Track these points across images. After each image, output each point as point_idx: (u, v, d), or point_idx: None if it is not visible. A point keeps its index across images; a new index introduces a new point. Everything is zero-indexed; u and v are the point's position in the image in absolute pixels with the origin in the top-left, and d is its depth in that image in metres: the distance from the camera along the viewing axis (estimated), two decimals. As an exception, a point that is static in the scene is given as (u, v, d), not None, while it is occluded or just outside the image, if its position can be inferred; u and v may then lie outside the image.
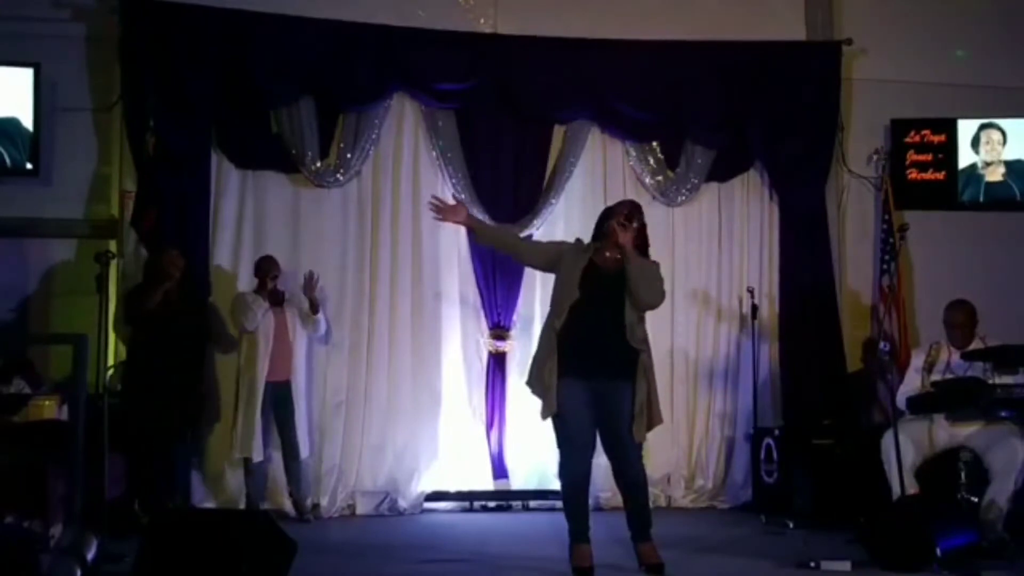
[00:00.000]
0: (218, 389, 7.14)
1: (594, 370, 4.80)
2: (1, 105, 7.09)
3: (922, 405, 5.75)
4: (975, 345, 5.85)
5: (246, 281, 7.25)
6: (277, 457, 7.03)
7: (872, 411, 7.33)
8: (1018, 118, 8.11)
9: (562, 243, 5.37)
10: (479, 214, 7.55)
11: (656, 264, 5.02)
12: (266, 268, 7.02)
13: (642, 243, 5.00)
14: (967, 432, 5.70)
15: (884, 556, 4.91)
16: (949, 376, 5.78)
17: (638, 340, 4.84)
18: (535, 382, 4.93)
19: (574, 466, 4.87)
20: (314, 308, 7.00)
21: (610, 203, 7.56)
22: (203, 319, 6.91)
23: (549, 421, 4.94)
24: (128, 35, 7.14)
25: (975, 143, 8.12)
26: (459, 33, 7.65)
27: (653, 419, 4.87)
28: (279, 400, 6.91)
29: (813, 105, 7.94)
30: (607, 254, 4.93)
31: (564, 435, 4.85)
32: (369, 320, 7.45)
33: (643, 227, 5.02)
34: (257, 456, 6.83)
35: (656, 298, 4.93)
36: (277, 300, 6.97)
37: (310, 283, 7.01)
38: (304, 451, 6.99)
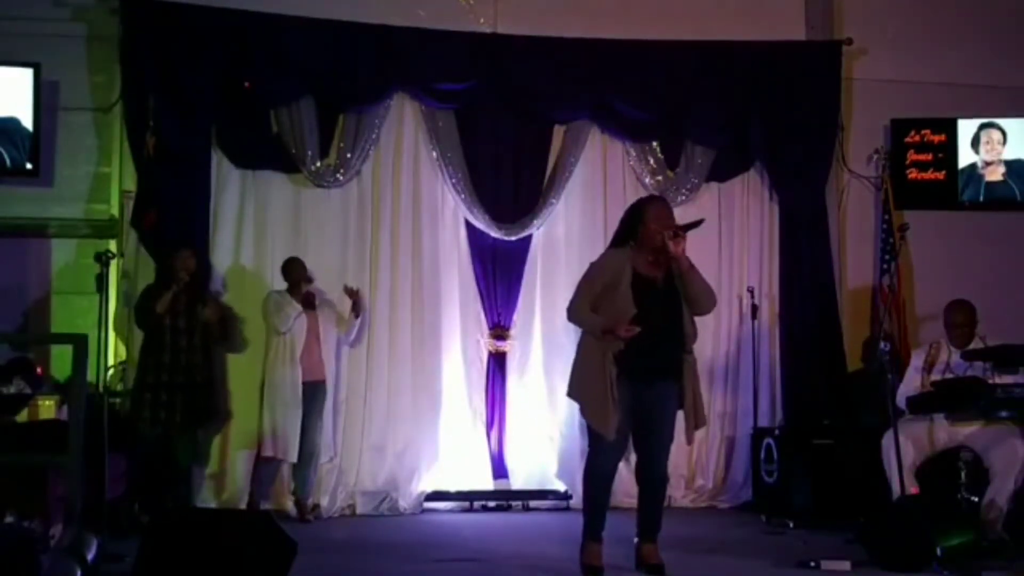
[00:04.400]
0: (227, 389, 7.11)
1: (644, 374, 4.75)
2: (1, 105, 7.09)
3: (922, 405, 5.75)
4: (975, 345, 5.85)
5: (246, 282, 7.26)
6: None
7: (872, 411, 7.33)
8: (1018, 118, 8.11)
9: (593, 274, 4.90)
10: (479, 214, 7.57)
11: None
12: (299, 272, 7.01)
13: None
14: (967, 432, 5.70)
15: (884, 556, 4.91)
16: (949, 376, 5.79)
17: (690, 345, 4.85)
18: (592, 406, 4.75)
19: (604, 464, 4.85)
20: (357, 312, 7.09)
21: (610, 203, 7.58)
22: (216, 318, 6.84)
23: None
24: (128, 35, 7.15)
25: (975, 143, 8.12)
26: (459, 33, 7.64)
27: (699, 420, 4.86)
28: (310, 400, 6.93)
29: (813, 105, 7.93)
30: (649, 259, 4.80)
31: (604, 435, 4.74)
32: (369, 320, 7.45)
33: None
34: (294, 458, 6.85)
35: (712, 302, 4.93)
36: (310, 303, 6.99)
37: (356, 295, 7.09)
38: (328, 453, 7.06)
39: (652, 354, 4.73)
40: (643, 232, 4.83)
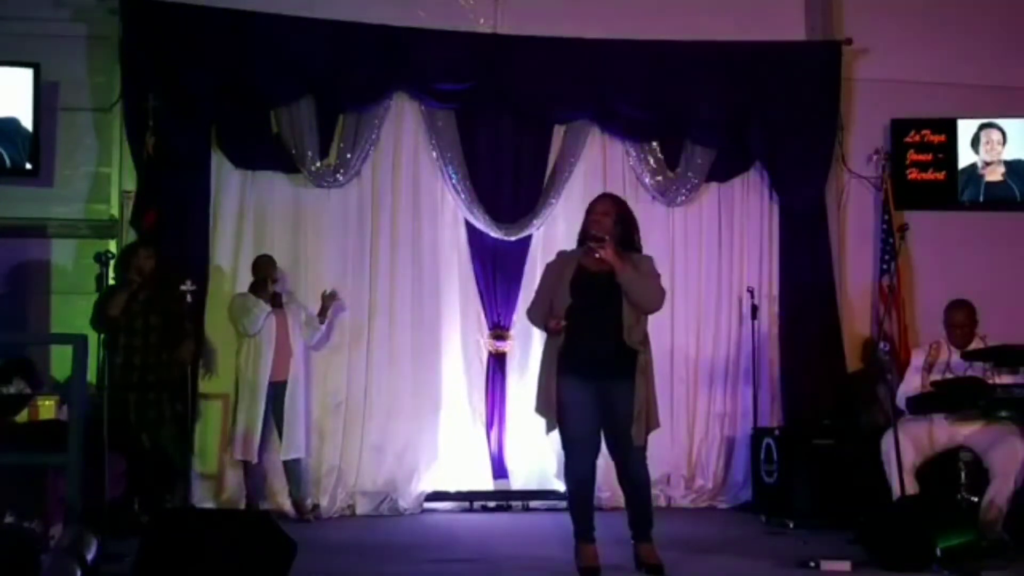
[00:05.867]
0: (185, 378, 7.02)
1: (593, 371, 4.78)
2: (1, 105, 7.08)
3: (922, 405, 5.75)
4: (975, 345, 5.85)
5: (247, 282, 7.25)
6: (276, 457, 7.03)
7: (872, 411, 7.33)
8: (1018, 118, 8.12)
9: (544, 274, 5.11)
10: (479, 214, 7.57)
11: (649, 259, 4.96)
12: (267, 270, 7.01)
13: (627, 238, 4.92)
14: (967, 432, 5.70)
15: (884, 556, 4.91)
16: (949, 376, 5.78)
17: (636, 341, 4.79)
18: (540, 400, 4.89)
19: (578, 466, 4.84)
20: (322, 319, 7.07)
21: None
22: (174, 315, 6.68)
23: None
24: (128, 35, 7.14)
25: (975, 143, 8.13)
26: (459, 33, 7.64)
27: (651, 423, 4.83)
28: (279, 400, 6.93)
29: (813, 105, 7.94)
30: (596, 256, 4.82)
31: (568, 435, 4.83)
32: (369, 320, 7.45)
33: (625, 220, 4.94)
34: (255, 458, 6.85)
35: (655, 301, 4.88)
36: (277, 302, 6.98)
37: (332, 298, 7.05)
38: (300, 452, 6.99)
39: (592, 346, 4.77)
40: (582, 230, 4.96)
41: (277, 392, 6.93)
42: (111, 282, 6.39)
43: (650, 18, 7.86)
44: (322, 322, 7.12)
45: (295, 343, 7.03)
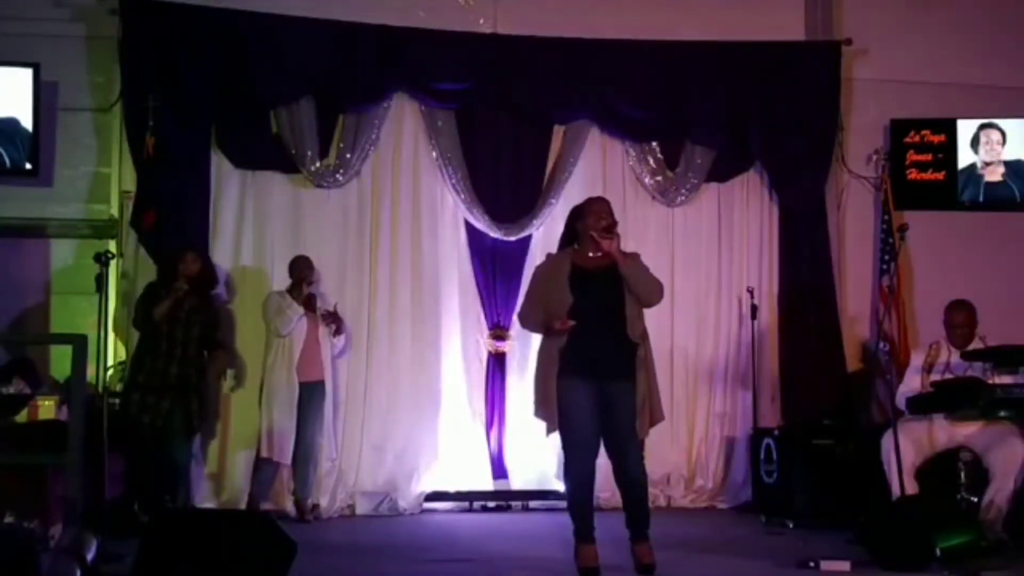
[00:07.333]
0: (218, 390, 7.10)
1: (595, 370, 4.77)
2: (1, 105, 7.08)
3: (922, 405, 5.75)
4: (975, 345, 5.85)
5: (247, 282, 7.26)
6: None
7: (872, 411, 7.33)
8: (1018, 118, 8.11)
9: (536, 276, 5.11)
10: (479, 214, 7.57)
11: (638, 256, 4.98)
12: (304, 272, 6.98)
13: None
14: (967, 432, 5.71)
15: (884, 556, 4.91)
16: (949, 376, 5.79)
17: (637, 334, 4.83)
18: (539, 402, 4.89)
19: (579, 466, 4.84)
20: (339, 330, 7.06)
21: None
22: (211, 324, 6.82)
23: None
24: (128, 35, 7.14)
25: (975, 143, 8.12)
26: (459, 33, 7.64)
27: (654, 415, 4.85)
28: (308, 401, 6.91)
29: (813, 105, 7.94)
30: (590, 254, 4.85)
31: (568, 436, 4.82)
32: (369, 320, 7.45)
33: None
34: (287, 460, 6.85)
35: (656, 292, 4.92)
36: (311, 305, 6.98)
37: (334, 314, 7.03)
38: (332, 454, 7.03)
39: (595, 341, 4.76)
40: (582, 228, 4.93)
41: (307, 392, 6.90)
42: (110, 283, 6.40)
43: (649, 18, 7.86)
44: (336, 335, 7.09)
45: (324, 347, 7.02)
